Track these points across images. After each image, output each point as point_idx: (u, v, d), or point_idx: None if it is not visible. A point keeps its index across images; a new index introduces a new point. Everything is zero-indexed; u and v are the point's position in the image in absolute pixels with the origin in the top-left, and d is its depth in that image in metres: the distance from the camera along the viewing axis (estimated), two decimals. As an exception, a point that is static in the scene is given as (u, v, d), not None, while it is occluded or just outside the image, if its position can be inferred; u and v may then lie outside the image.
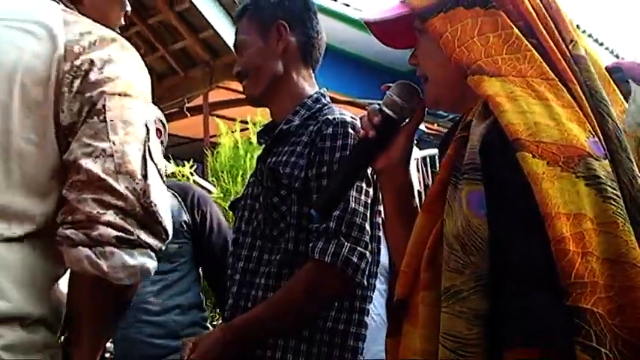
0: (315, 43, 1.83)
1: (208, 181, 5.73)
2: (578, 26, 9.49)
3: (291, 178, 1.62)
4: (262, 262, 1.66)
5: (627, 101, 1.15)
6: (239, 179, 5.32)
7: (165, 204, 1.09)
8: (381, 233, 1.77)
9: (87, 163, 1.02)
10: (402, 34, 1.24)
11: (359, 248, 1.57)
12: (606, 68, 1.18)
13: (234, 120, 6.56)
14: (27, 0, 1.16)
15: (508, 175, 0.94)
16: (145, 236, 1.04)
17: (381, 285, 3.16)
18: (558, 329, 0.87)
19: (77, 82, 1.05)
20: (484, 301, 0.90)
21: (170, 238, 1.12)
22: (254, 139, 5.05)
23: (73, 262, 1.03)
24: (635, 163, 1.00)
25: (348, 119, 1.69)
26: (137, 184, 1.03)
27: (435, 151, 5.38)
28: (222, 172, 5.51)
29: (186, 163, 5.38)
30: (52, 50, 1.06)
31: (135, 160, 1.04)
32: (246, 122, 5.85)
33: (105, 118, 1.04)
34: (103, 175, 1.01)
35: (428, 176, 5.97)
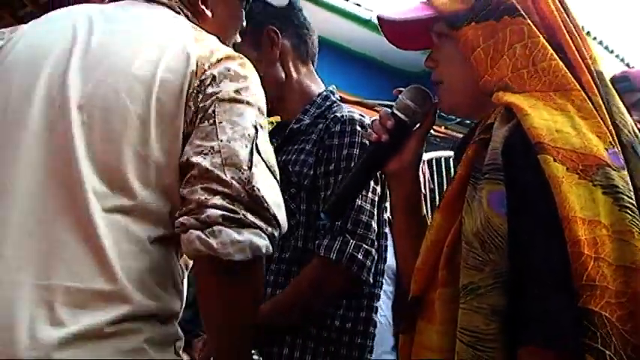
0: (308, 39, 1.84)
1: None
2: (588, 33, 9.47)
3: (300, 176, 1.63)
4: (272, 259, 1.66)
5: (630, 111, 1.16)
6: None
7: (274, 195, 1.12)
8: (387, 230, 1.79)
9: (197, 159, 1.09)
10: (413, 35, 1.25)
11: (364, 245, 1.58)
12: (613, 78, 1.20)
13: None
14: (160, 18, 1.25)
15: (530, 177, 0.96)
16: (251, 217, 1.07)
17: (387, 286, 3.16)
18: (572, 332, 0.89)
19: (200, 96, 1.12)
20: (502, 298, 0.93)
21: (284, 229, 1.14)
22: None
23: (187, 246, 1.07)
24: None
25: (357, 117, 1.69)
26: (242, 173, 1.08)
27: (441, 153, 5.37)
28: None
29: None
30: (186, 66, 1.14)
31: (241, 154, 1.10)
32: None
33: (214, 121, 1.11)
34: (210, 168, 1.08)
35: (433, 179, 5.96)
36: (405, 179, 1.24)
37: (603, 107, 1.07)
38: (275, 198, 1.13)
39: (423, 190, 5.32)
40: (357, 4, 7.85)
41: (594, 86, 1.09)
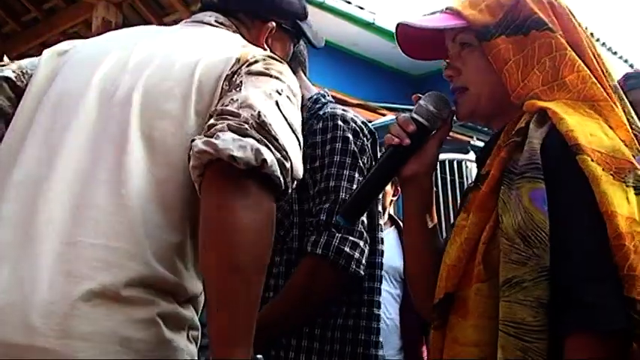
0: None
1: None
2: (592, 34, 9.48)
3: None
4: (273, 262, 1.67)
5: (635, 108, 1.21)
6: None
7: (287, 137, 1.11)
8: (382, 234, 1.79)
9: (218, 107, 1.13)
10: (428, 45, 1.29)
11: (351, 238, 1.58)
12: (621, 79, 1.26)
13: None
14: (215, 31, 1.37)
15: (570, 176, 1.02)
16: (256, 134, 1.06)
17: (394, 290, 3.16)
18: (619, 318, 0.95)
19: (235, 76, 1.18)
20: (546, 291, 0.98)
21: (298, 172, 1.13)
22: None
23: (193, 154, 1.06)
24: None
25: (339, 112, 1.72)
26: (254, 110, 1.09)
27: (448, 155, 5.37)
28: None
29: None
30: (228, 56, 1.21)
31: (256, 100, 1.12)
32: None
33: (240, 89, 1.15)
34: (227, 109, 1.11)
35: (437, 182, 5.96)
36: (422, 184, 1.25)
37: (624, 117, 1.13)
38: (288, 138, 1.10)
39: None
40: (361, 7, 7.87)
41: (616, 98, 1.15)
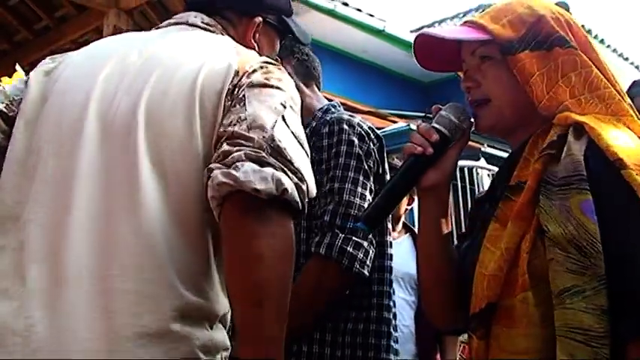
0: (309, 65, 1.94)
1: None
2: (602, 41, 9.43)
3: None
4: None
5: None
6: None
7: (299, 155, 1.12)
8: (389, 238, 1.80)
9: (228, 127, 1.12)
10: (441, 56, 1.31)
11: (354, 238, 1.59)
12: (630, 86, 1.28)
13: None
14: (205, 35, 1.35)
15: (615, 189, 1.05)
16: (274, 161, 1.07)
17: (409, 296, 3.17)
18: None
19: (236, 90, 1.17)
20: (606, 298, 1.01)
21: (312, 192, 1.13)
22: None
23: (211, 186, 1.06)
24: None
25: (345, 116, 1.74)
26: (266, 133, 1.10)
27: (459, 162, 5.35)
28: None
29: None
30: (227, 67, 1.20)
31: (266, 120, 1.12)
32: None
33: (245, 104, 1.15)
34: (237, 131, 1.11)
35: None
36: (440, 195, 1.26)
37: None
38: (301, 159, 1.12)
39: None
40: (371, 15, 7.89)
41: (633, 113, 1.20)
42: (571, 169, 1.08)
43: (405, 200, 3.22)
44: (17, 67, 3.04)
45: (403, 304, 3.08)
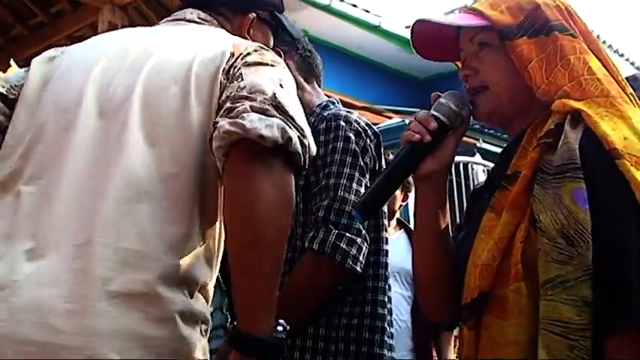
0: (311, 61, 1.94)
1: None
2: (598, 36, 9.46)
3: None
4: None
5: None
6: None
7: (300, 115, 1.15)
8: (386, 234, 1.80)
9: (228, 96, 1.16)
10: (438, 44, 1.30)
11: (348, 235, 1.60)
12: (628, 78, 1.27)
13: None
14: (202, 28, 1.41)
15: (609, 178, 1.04)
16: (278, 114, 1.11)
17: (405, 291, 3.19)
18: None
19: (232, 70, 1.21)
20: (589, 290, 0.98)
21: (313, 150, 1.16)
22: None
23: (218, 135, 1.09)
24: None
25: (342, 113, 1.75)
26: (267, 94, 1.14)
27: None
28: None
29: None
30: (223, 49, 1.24)
31: (265, 87, 1.15)
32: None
33: (242, 78, 1.18)
34: (241, 94, 1.14)
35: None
36: (437, 183, 1.24)
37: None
38: (302, 118, 1.16)
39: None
40: (366, 11, 7.88)
41: (634, 101, 1.19)
42: (566, 157, 1.06)
43: (399, 196, 3.22)
44: (12, 62, 3.04)
45: (400, 299, 3.10)
